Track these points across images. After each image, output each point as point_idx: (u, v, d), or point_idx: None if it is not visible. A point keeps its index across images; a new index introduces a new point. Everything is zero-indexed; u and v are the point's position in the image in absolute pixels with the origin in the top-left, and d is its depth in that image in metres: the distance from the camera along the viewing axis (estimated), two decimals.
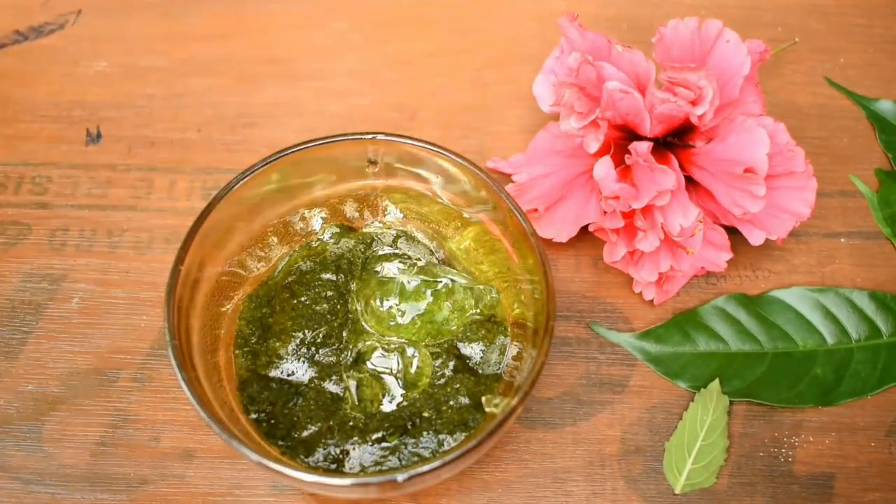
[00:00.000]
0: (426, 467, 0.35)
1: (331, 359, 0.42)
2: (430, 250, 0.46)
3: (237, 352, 0.43)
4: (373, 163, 0.45)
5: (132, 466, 0.43)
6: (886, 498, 0.43)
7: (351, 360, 0.42)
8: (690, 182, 0.46)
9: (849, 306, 0.48)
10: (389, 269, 0.44)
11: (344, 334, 0.43)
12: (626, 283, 0.49)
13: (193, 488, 0.43)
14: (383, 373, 0.42)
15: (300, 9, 0.60)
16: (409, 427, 0.40)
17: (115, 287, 0.48)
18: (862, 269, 0.50)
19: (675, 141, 0.46)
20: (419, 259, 0.45)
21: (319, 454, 0.40)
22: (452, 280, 0.43)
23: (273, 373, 0.42)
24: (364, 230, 0.46)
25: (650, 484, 0.43)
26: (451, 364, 0.42)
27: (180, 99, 0.55)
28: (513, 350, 0.43)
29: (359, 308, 0.43)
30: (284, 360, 0.42)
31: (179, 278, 0.39)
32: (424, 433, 0.40)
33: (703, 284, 0.49)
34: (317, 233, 0.46)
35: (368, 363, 0.42)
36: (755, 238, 0.46)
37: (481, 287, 0.44)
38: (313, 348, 0.42)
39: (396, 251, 0.45)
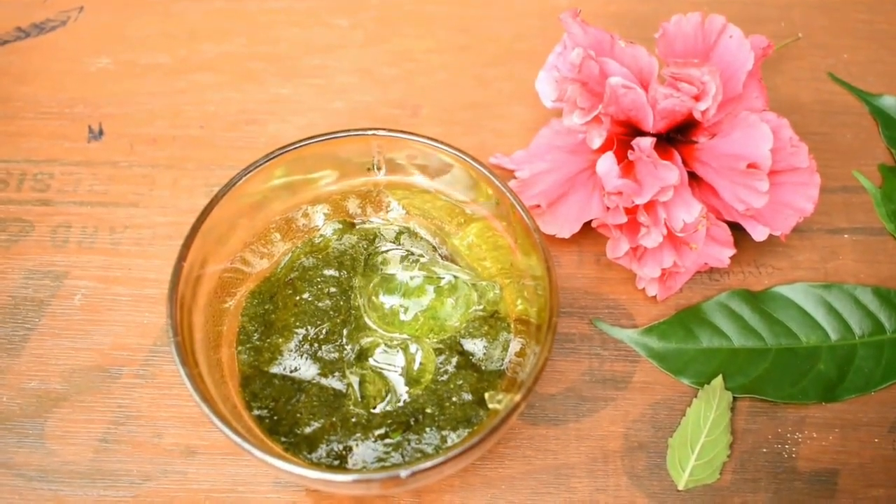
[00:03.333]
0: (429, 463, 0.35)
1: (333, 355, 0.42)
2: (433, 246, 0.46)
3: (240, 348, 0.43)
4: (376, 168, 0.45)
5: (135, 463, 0.43)
6: (890, 494, 0.43)
7: (354, 356, 0.42)
8: (693, 178, 0.46)
9: (852, 302, 0.48)
10: (392, 265, 0.44)
11: (346, 331, 0.43)
12: (629, 279, 0.49)
13: (196, 485, 0.43)
14: (386, 369, 0.42)
15: (302, 5, 0.60)
16: (412, 423, 0.40)
17: (117, 284, 0.48)
18: (865, 264, 0.49)
19: (678, 136, 0.46)
20: (422, 255, 0.45)
21: (322, 450, 0.40)
22: (455, 276, 0.43)
23: (276, 369, 0.42)
24: (367, 226, 0.46)
25: (653, 480, 0.43)
26: (454, 360, 0.42)
27: (182, 95, 0.55)
28: (516, 346, 0.43)
29: (361, 304, 0.43)
30: (287, 357, 0.42)
31: (182, 275, 0.39)
32: (427, 429, 0.40)
33: (706, 280, 0.49)
34: (319, 229, 0.46)
35: (371, 359, 0.42)
36: (758, 234, 0.46)
37: (484, 283, 0.44)
38: (316, 345, 0.42)
39: (399, 247, 0.45)
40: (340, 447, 0.40)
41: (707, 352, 0.46)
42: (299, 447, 0.40)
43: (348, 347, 0.42)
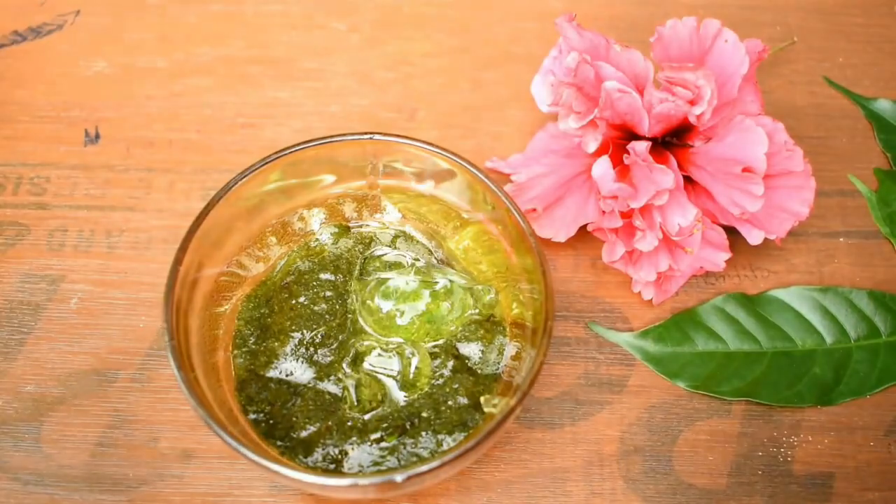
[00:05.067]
0: (425, 467, 0.35)
1: (329, 359, 0.42)
2: (429, 250, 0.46)
3: (236, 352, 0.43)
4: (372, 172, 0.45)
5: (131, 467, 0.43)
6: (885, 497, 0.43)
7: (349, 360, 0.42)
8: (689, 182, 0.46)
9: (848, 306, 0.48)
10: (388, 269, 0.44)
11: (342, 335, 0.43)
12: (624, 283, 0.49)
13: (192, 488, 0.43)
14: (382, 373, 0.42)
15: (299, 9, 0.60)
16: (408, 427, 0.40)
17: (113, 287, 0.48)
18: (861, 268, 0.50)
19: (674, 140, 0.46)
20: (418, 259, 0.45)
21: (318, 454, 0.40)
22: (451, 280, 0.43)
23: (272, 373, 0.42)
24: (363, 230, 0.46)
25: (649, 484, 0.43)
26: (450, 364, 0.42)
27: (179, 99, 0.55)
28: (511, 350, 0.43)
29: (357, 308, 0.43)
30: (283, 361, 0.42)
31: (178, 279, 0.39)
32: (423, 433, 0.40)
33: (701, 284, 0.49)
34: (315, 233, 0.46)
35: (367, 363, 0.42)
36: (754, 238, 0.46)
37: (480, 287, 0.44)
38: (312, 348, 0.42)
39: (395, 251, 0.45)
40: (336, 451, 0.40)
41: (703, 355, 0.47)
42: (295, 451, 0.40)
43: (344, 351, 0.42)
